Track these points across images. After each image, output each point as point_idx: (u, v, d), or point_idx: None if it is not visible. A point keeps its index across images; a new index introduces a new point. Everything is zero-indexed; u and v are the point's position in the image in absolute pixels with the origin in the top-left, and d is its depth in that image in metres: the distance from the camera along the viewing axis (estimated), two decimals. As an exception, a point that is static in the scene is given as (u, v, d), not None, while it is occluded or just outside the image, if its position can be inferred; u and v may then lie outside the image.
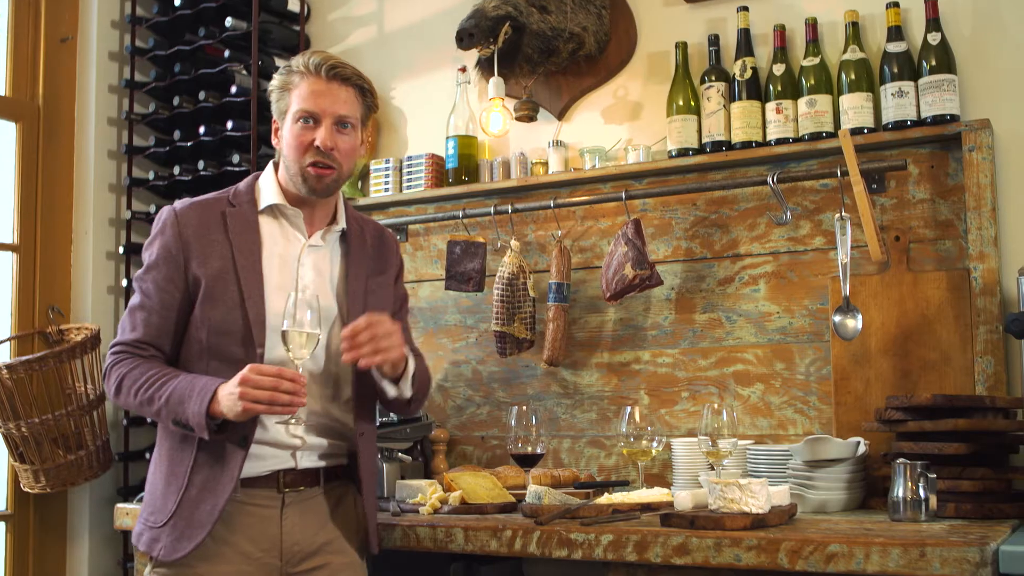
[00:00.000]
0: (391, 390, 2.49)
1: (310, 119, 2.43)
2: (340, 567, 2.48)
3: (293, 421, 2.33)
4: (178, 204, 2.48)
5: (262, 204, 2.49)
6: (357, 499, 2.56)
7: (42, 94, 4.11)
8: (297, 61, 2.47)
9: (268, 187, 2.52)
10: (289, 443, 2.43)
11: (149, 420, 3.84)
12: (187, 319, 2.42)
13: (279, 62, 4.14)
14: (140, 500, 3.20)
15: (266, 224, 2.49)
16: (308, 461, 2.46)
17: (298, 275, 2.46)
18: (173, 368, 2.40)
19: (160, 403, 2.31)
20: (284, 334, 2.30)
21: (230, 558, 2.35)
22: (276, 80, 2.51)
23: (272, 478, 2.41)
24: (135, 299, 2.45)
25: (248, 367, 2.25)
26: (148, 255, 2.45)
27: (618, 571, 2.46)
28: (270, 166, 2.57)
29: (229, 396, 2.24)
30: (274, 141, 2.54)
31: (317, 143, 2.42)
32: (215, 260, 2.40)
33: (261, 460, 2.40)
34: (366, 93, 2.52)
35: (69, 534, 4.01)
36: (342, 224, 2.57)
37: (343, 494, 2.55)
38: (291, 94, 2.46)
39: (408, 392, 2.52)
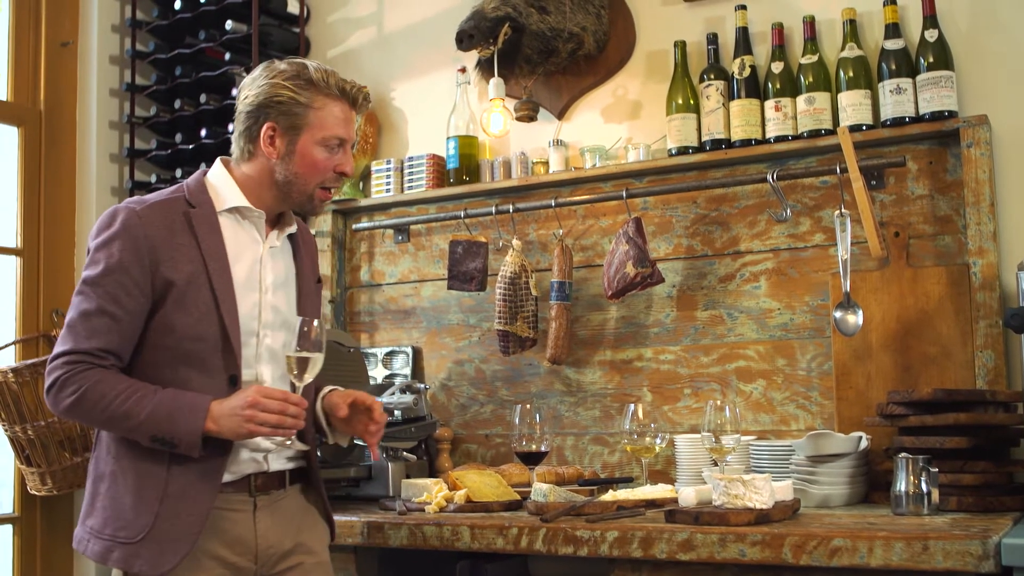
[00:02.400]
0: (333, 439, 2.56)
1: (337, 143, 2.41)
2: (312, 567, 2.47)
3: (288, 442, 2.32)
4: (134, 203, 2.33)
5: (224, 205, 2.40)
6: (319, 498, 2.55)
7: (43, 98, 4.13)
8: (324, 79, 2.38)
9: (226, 188, 2.42)
10: (262, 447, 2.38)
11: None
12: (146, 325, 2.30)
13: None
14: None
15: (226, 225, 2.40)
16: (277, 464, 2.44)
17: (261, 277, 2.42)
18: (142, 382, 2.27)
19: (139, 419, 2.20)
20: (293, 359, 2.28)
21: (207, 565, 2.30)
22: (291, 90, 2.37)
23: (244, 482, 2.37)
24: (89, 303, 2.26)
25: (254, 390, 2.22)
26: (105, 255, 2.27)
27: (623, 567, 2.48)
28: (219, 164, 2.47)
29: (232, 417, 2.20)
30: (265, 148, 2.39)
31: (344, 169, 2.42)
32: (185, 264, 2.30)
33: (234, 465, 2.35)
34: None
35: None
36: (294, 226, 2.53)
37: (308, 494, 2.54)
38: (314, 112, 2.37)
39: (345, 442, 2.59)
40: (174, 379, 2.28)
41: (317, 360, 2.31)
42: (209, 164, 3.88)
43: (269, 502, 2.42)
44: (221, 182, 2.43)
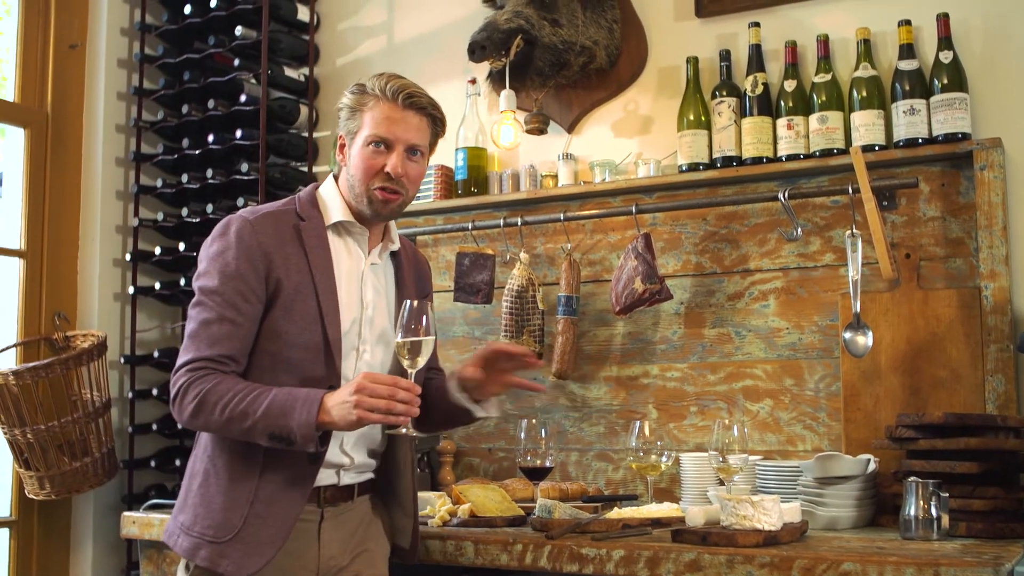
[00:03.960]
0: (480, 412, 2.53)
1: (382, 144, 2.41)
2: None
3: (404, 430, 2.29)
4: (248, 213, 2.41)
5: (331, 219, 2.46)
6: (384, 512, 2.57)
7: (51, 101, 4.11)
8: (373, 83, 2.43)
9: (333, 202, 2.48)
10: (337, 462, 2.42)
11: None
12: (257, 331, 2.36)
13: (288, 71, 4.15)
14: (152, 507, 3.20)
15: (333, 240, 2.46)
16: (349, 478, 2.47)
17: (362, 292, 2.46)
18: (257, 383, 2.31)
19: (256, 417, 2.22)
20: (408, 344, 2.28)
21: (267, 573, 2.32)
22: (348, 98, 2.46)
23: (313, 493, 2.40)
24: (208, 312, 2.32)
25: (362, 375, 2.22)
26: (221, 264, 2.34)
27: (629, 587, 2.46)
28: (330, 180, 2.54)
29: (342, 405, 2.20)
30: (338, 157, 2.51)
31: (388, 169, 2.41)
32: (295, 273, 2.36)
33: None
34: (438, 122, 2.51)
35: (73, 541, 4.01)
36: (396, 244, 2.58)
37: (372, 507, 2.55)
38: (363, 115, 2.43)
39: (495, 412, 2.57)
40: (275, 385, 2.30)
41: (427, 343, 2.31)
42: (216, 170, 3.97)
43: (335, 514, 2.45)
44: (330, 196, 2.51)
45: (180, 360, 2.34)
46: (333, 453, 2.40)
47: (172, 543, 2.39)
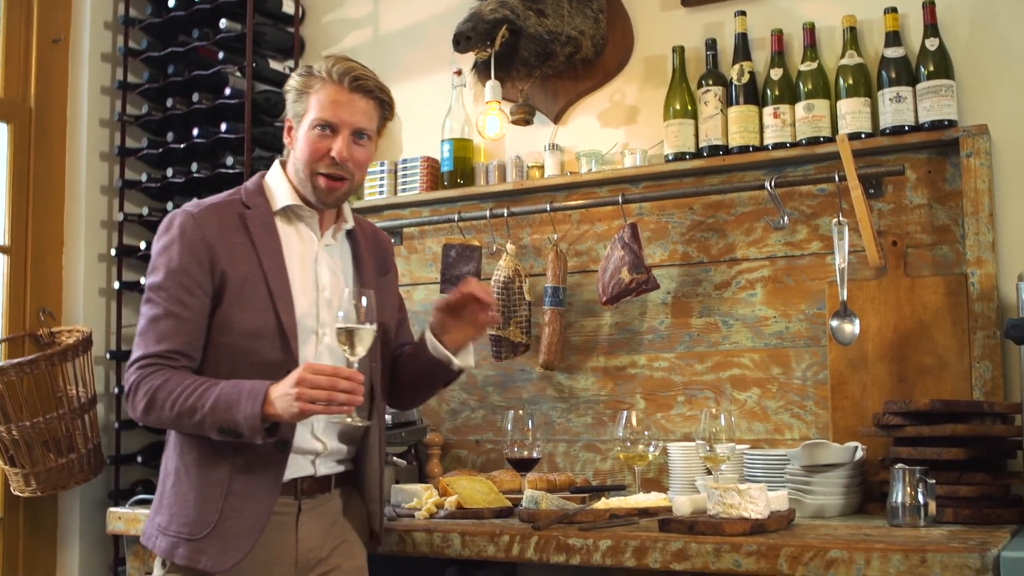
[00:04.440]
0: (457, 362, 2.55)
1: (327, 128, 2.40)
2: (349, 570, 2.48)
3: (349, 420, 2.30)
4: (191, 207, 2.41)
5: (278, 205, 2.45)
6: (360, 502, 2.56)
7: (34, 95, 4.09)
8: (320, 66, 2.42)
9: (280, 188, 2.47)
10: (312, 448, 2.41)
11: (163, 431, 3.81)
12: (208, 324, 2.35)
13: (273, 64, 4.13)
14: (139, 503, 3.18)
15: (281, 225, 2.45)
16: (325, 468, 2.45)
17: (317, 275, 2.45)
18: (206, 377, 2.31)
19: (204, 411, 2.22)
20: (344, 331, 2.26)
21: (247, 568, 2.31)
22: (295, 81, 2.45)
23: (290, 486, 2.39)
24: (156, 308, 2.33)
25: (303, 366, 2.21)
26: (165, 260, 2.35)
27: (616, 576, 2.46)
28: (277, 165, 2.53)
29: (284, 397, 2.19)
30: (286, 140, 2.50)
31: (332, 153, 2.39)
32: (241, 263, 2.35)
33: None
34: (385, 105, 2.50)
35: (60, 538, 3.99)
36: (350, 223, 2.56)
37: (349, 498, 2.54)
38: (310, 98, 2.41)
39: (471, 361, 2.58)
40: (233, 376, 2.30)
41: (366, 332, 2.28)
42: (200, 163, 3.95)
43: (313, 506, 2.44)
44: (276, 183, 2.49)
45: (131, 358, 2.34)
46: (305, 440, 2.39)
47: (151, 545, 2.38)
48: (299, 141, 2.43)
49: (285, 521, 2.39)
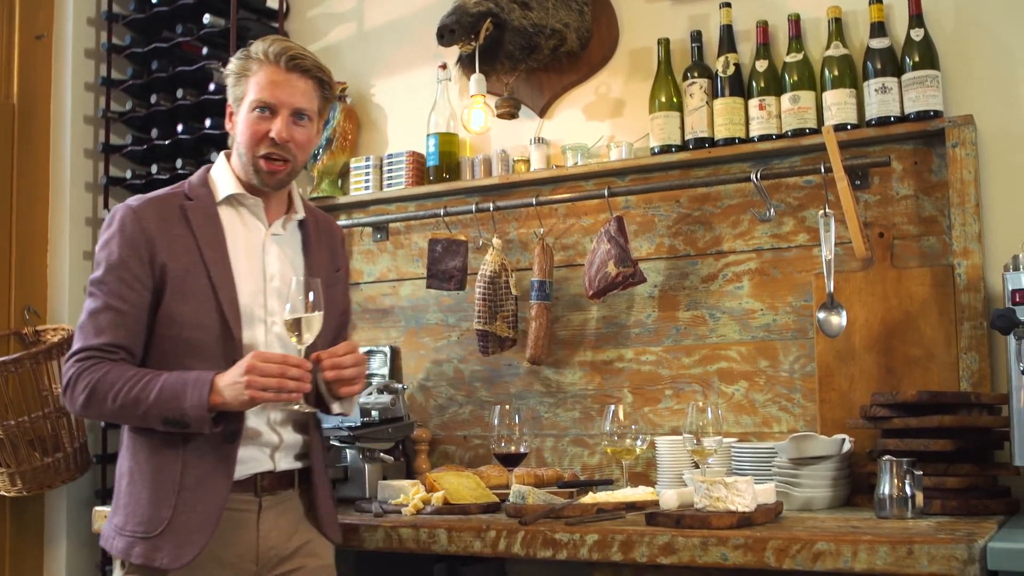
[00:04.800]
0: (336, 408, 2.48)
1: (266, 109, 2.39)
2: (315, 570, 2.46)
3: (297, 407, 2.31)
4: (132, 201, 2.40)
5: (220, 195, 2.44)
6: (324, 499, 2.53)
7: (17, 92, 4.06)
8: (257, 48, 2.42)
9: (224, 177, 2.46)
10: (270, 440, 2.40)
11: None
12: (152, 317, 2.34)
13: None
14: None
15: (226, 215, 2.44)
16: (285, 463, 2.44)
17: (264, 264, 2.43)
18: (149, 369, 2.31)
19: (148, 403, 2.23)
20: (292, 320, 2.27)
21: (206, 566, 2.30)
22: (233, 64, 2.45)
23: (250, 482, 2.38)
24: (96, 302, 2.33)
25: (252, 354, 2.22)
26: (106, 254, 2.35)
27: (603, 571, 2.44)
28: (222, 156, 2.52)
29: (233, 385, 2.20)
30: (228, 126, 2.49)
31: (272, 134, 2.38)
32: (182, 254, 2.34)
33: (241, 464, 2.35)
34: (325, 85, 2.48)
35: (46, 538, 3.96)
36: (301, 213, 2.55)
37: (314, 496, 2.51)
38: (248, 81, 2.41)
39: (350, 411, 2.53)
40: (180, 369, 2.30)
41: (313, 320, 2.29)
42: (185, 160, 3.92)
43: (275, 503, 2.42)
44: (220, 173, 2.48)
45: (70, 351, 2.33)
46: (263, 431, 2.38)
47: (108, 547, 2.38)
48: (239, 125, 2.43)
49: (245, 518, 2.37)
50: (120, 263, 2.32)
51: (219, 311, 2.33)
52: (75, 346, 2.33)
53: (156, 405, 2.23)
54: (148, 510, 2.29)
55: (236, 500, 2.35)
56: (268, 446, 2.40)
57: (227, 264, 2.37)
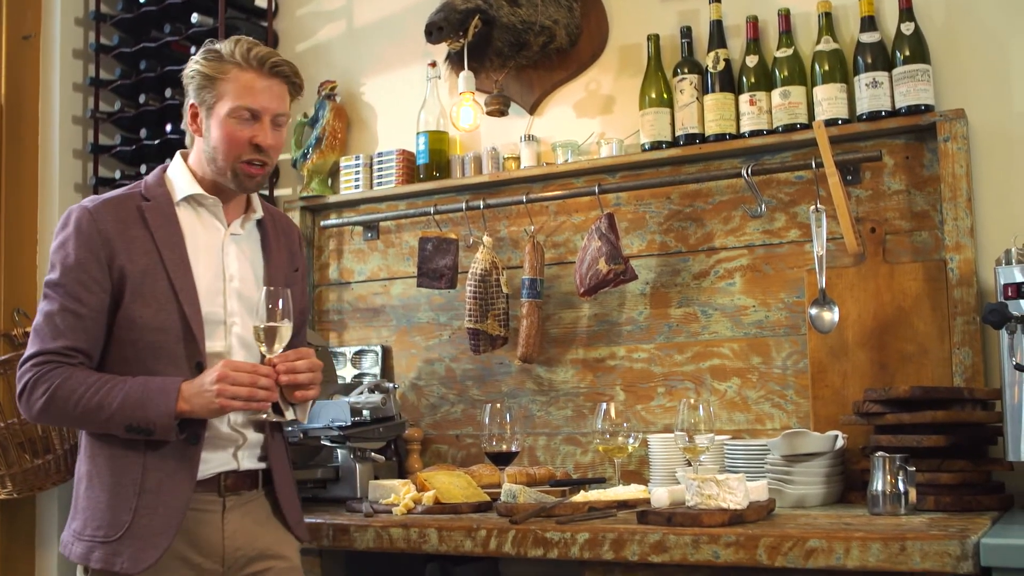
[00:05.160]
0: (290, 414, 2.42)
1: (248, 115, 2.36)
2: (282, 571, 2.43)
3: (264, 416, 2.31)
4: (87, 202, 2.35)
5: (178, 195, 2.40)
6: (288, 499, 2.49)
7: (4, 93, 4.04)
8: (229, 49, 2.36)
9: (181, 178, 2.42)
10: (232, 440, 2.37)
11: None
12: (111, 321, 2.30)
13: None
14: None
15: (184, 216, 2.40)
16: (249, 462, 2.41)
17: (224, 265, 2.41)
18: (112, 374, 2.27)
19: (111, 409, 2.19)
20: (260, 329, 2.26)
21: (172, 566, 2.27)
22: (201, 65, 2.38)
23: (213, 481, 2.35)
24: (52, 304, 2.27)
25: (223, 363, 2.21)
26: (61, 256, 2.29)
27: (595, 570, 2.43)
28: (178, 157, 2.47)
29: (202, 394, 2.18)
30: (190, 128, 2.42)
31: (257, 140, 2.36)
32: (140, 256, 2.30)
33: (204, 463, 2.32)
34: (297, 88, 2.47)
35: (38, 540, 3.94)
36: (259, 212, 2.52)
37: (277, 495, 2.48)
38: (223, 84, 2.35)
39: (304, 418, 2.45)
40: (143, 373, 2.27)
41: (283, 329, 2.28)
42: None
43: (239, 503, 2.39)
44: (177, 173, 2.44)
45: (25, 354, 2.28)
46: (224, 432, 2.35)
47: (67, 552, 2.33)
48: (213, 130, 2.37)
49: (210, 519, 2.34)
50: (77, 265, 2.27)
51: (180, 313, 2.29)
52: (31, 349, 2.27)
53: (120, 412, 2.20)
54: (107, 514, 2.26)
55: (200, 500, 2.32)
56: (231, 445, 2.37)
57: (187, 265, 2.34)
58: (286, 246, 2.59)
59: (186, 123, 2.44)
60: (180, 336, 2.30)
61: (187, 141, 2.49)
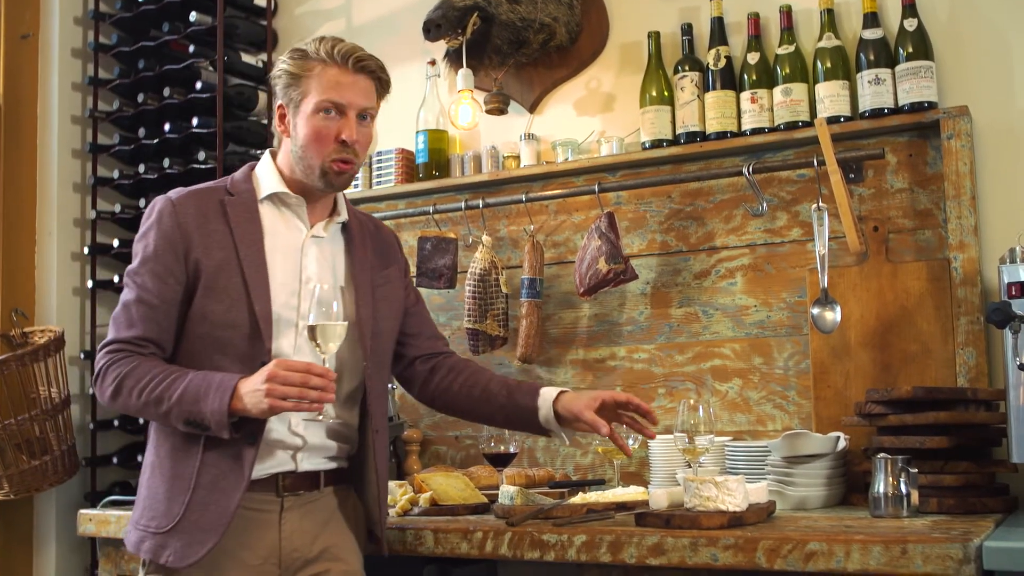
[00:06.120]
0: (567, 438, 2.55)
1: (333, 110, 2.34)
2: (340, 574, 2.39)
3: (320, 417, 2.28)
4: (173, 193, 2.36)
5: (263, 193, 2.39)
6: (358, 504, 2.48)
7: (3, 92, 4.04)
8: (316, 47, 2.35)
9: (268, 176, 2.41)
10: (291, 443, 2.34)
11: (142, 421, 3.78)
12: (185, 314, 2.30)
13: (245, 58, 4.07)
14: (110, 504, 3.13)
15: (267, 214, 2.39)
16: (309, 464, 2.37)
17: (302, 266, 2.38)
18: (178, 366, 2.27)
19: (171, 402, 2.18)
20: (313, 328, 2.20)
21: (226, 566, 2.25)
22: (288, 65, 2.37)
23: (271, 481, 2.32)
24: (129, 294, 2.30)
25: (274, 362, 2.16)
26: (143, 246, 2.31)
27: (592, 572, 2.39)
28: (267, 155, 2.46)
29: (254, 392, 2.14)
30: (279, 128, 2.42)
31: (343, 136, 2.33)
32: (216, 251, 2.29)
33: (260, 463, 2.29)
34: (384, 84, 2.45)
35: (35, 541, 3.93)
36: (344, 215, 2.49)
37: (344, 498, 2.46)
38: (308, 82, 2.34)
39: (567, 440, 2.57)
40: (208, 368, 2.26)
41: (335, 329, 2.22)
42: (173, 159, 3.89)
43: (298, 503, 2.36)
44: (264, 171, 2.44)
45: (104, 341, 2.32)
46: (282, 434, 2.32)
47: (126, 540, 2.34)
48: (299, 127, 2.36)
49: (266, 518, 2.31)
50: (154, 256, 2.29)
51: (250, 310, 2.27)
52: (108, 337, 2.31)
53: (178, 405, 2.19)
54: (163, 505, 2.26)
55: (256, 499, 2.29)
56: (290, 448, 2.34)
57: (262, 263, 2.32)
58: (374, 249, 2.54)
59: (275, 124, 2.44)
60: (247, 334, 2.27)
61: (274, 142, 2.50)
